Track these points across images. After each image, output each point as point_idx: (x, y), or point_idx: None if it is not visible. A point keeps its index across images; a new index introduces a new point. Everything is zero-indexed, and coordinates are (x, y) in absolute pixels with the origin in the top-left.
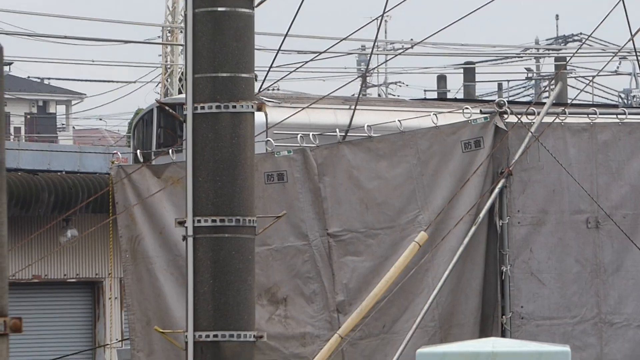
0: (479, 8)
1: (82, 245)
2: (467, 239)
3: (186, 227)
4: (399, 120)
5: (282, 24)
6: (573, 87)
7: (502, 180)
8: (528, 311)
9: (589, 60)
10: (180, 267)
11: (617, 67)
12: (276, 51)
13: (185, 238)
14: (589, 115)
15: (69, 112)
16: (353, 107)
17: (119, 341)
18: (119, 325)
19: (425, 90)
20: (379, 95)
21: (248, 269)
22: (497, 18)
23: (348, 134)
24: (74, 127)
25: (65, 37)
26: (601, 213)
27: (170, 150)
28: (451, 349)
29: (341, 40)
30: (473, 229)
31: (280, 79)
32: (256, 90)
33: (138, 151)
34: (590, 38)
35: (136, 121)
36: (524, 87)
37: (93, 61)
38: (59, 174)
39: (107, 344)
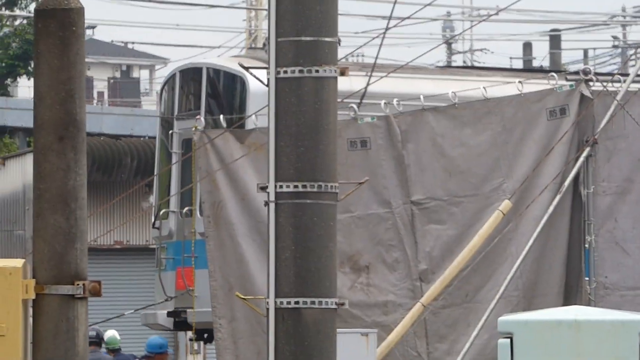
0: None
1: None
2: (551, 208)
3: (268, 193)
4: (483, 87)
5: None
6: None
7: (587, 149)
8: (612, 281)
9: None
10: (262, 234)
11: None
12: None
13: (267, 204)
14: None
15: (153, 76)
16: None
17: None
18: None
19: (511, 58)
20: (464, 62)
21: (330, 236)
22: None
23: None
24: (157, 92)
25: (150, 0)
26: None
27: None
28: (533, 316)
29: (426, 6)
30: (557, 197)
31: (364, 44)
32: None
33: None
34: None
35: (161, 86)
36: (610, 55)
37: (177, 25)
38: (141, 139)
39: (174, 297)
